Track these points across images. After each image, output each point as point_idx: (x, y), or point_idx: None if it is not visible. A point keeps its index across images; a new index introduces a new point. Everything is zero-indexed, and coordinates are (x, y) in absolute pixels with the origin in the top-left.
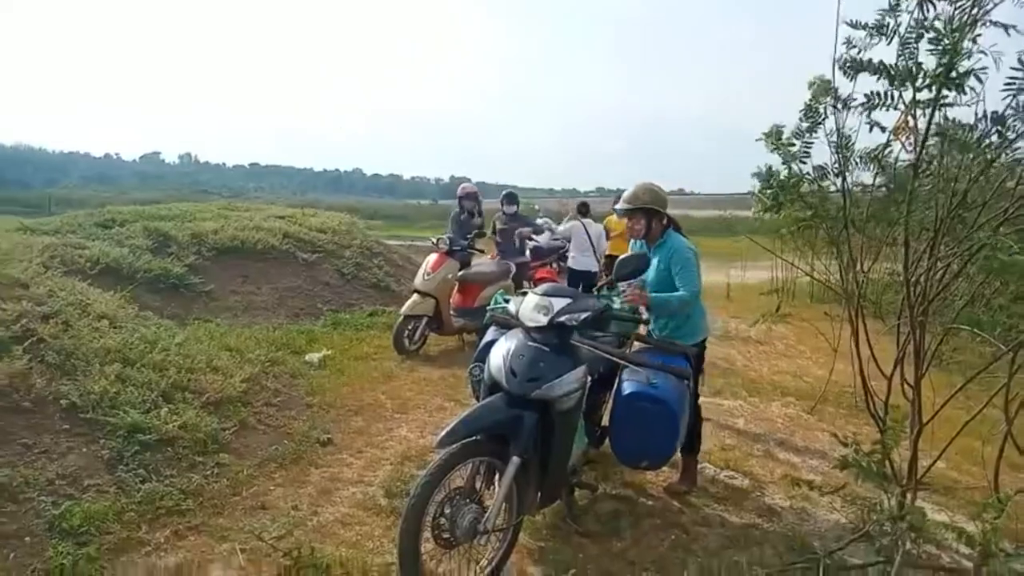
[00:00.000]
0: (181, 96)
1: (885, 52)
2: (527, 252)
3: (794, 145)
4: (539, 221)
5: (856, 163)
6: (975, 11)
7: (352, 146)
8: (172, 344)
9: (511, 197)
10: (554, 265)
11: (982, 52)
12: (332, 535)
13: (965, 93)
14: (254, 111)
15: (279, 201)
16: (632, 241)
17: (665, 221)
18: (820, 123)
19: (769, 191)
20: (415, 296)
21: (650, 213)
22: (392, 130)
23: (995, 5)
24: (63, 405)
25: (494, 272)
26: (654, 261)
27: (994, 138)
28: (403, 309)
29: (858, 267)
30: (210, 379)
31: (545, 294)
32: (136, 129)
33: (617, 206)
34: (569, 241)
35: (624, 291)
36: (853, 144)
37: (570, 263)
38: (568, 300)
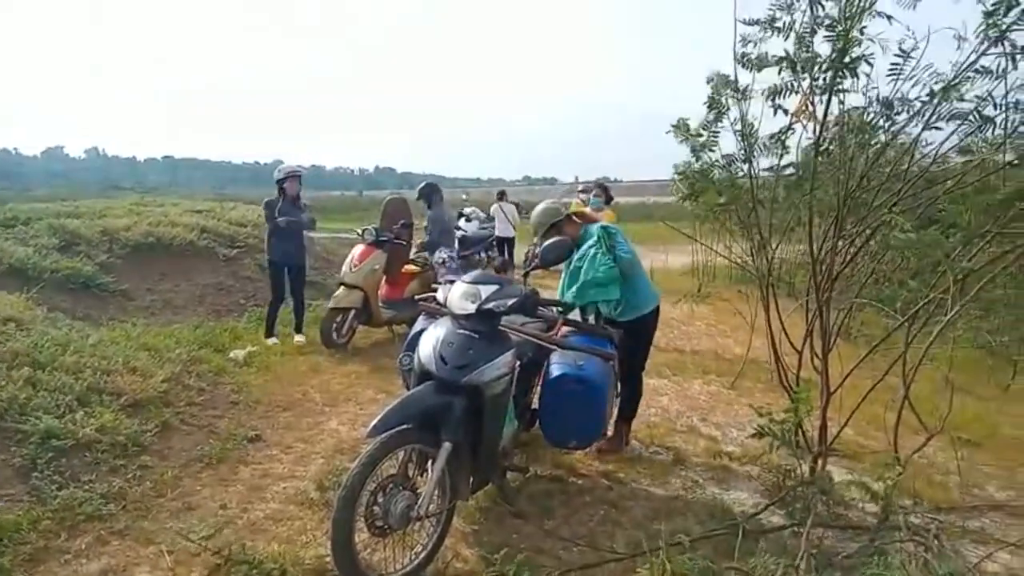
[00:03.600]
0: (84, 86)
1: (781, 45)
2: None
3: (702, 135)
4: (467, 210)
5: (761, 149)
6: (864, 2)
7: (272, 138)
8: (86, 346)
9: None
10: (482, 255)
11: (870, 40)
12: (263, 532)
13: (858, 77)
14: (165, 101)
15: (196, 196)
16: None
17: (576, 219)
18: (724, 113)
19: (685, 181)
20: (342, 289)
21: (556, 226)
22: (313, 119)
23: None
24: None
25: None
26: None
27: (883, 122)
28: (330, 302)
29: (768, 248)
30: (128, 380)
31: (473, 282)
32: (36, 122)
33: (535, 240)
34: (493, 221)
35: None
36: (757, 131)
37: (497, 232)
38: (495, 287)
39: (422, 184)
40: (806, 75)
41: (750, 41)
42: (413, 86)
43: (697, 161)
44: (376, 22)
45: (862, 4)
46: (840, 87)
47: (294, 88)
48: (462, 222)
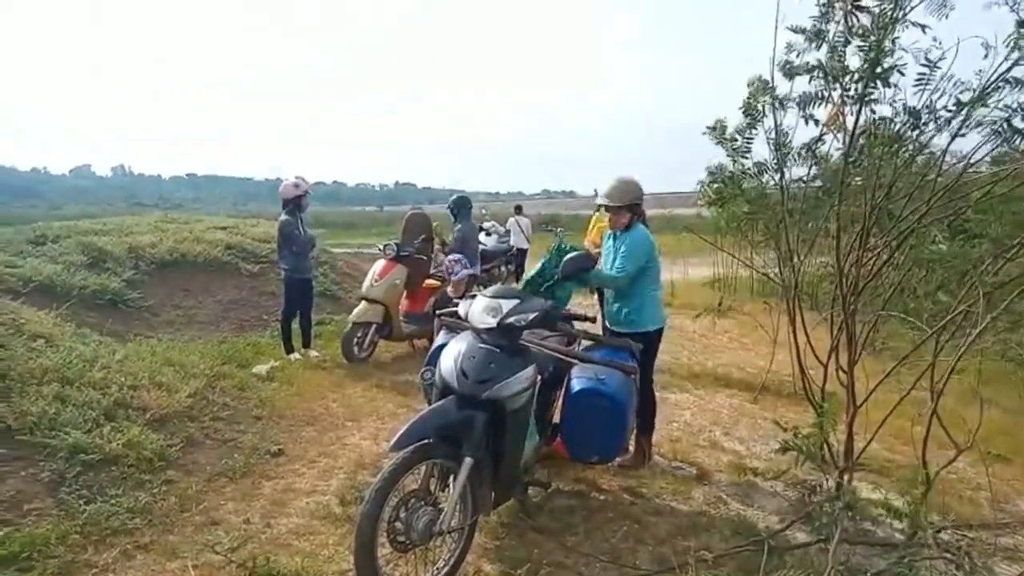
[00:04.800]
0: (111, 106)
1: (816, 56)
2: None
3: (737, 140)
4: (486, 224)
5: (794, 159)
6: (896, 12)
7: (294, 154)
8: (113, 361)
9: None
10: (503, 268)
11: (903, 49)
12: (286, 546)
13: (889, 87)
14: (188, 119)
15: (220, 212)
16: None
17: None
18: (760, 120)
19: (715, 185)
20: (363, 303)
21: (633, 208)
22: (333, 136)
23: (912, 8)
24: None
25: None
26: (611, 243)
27: (912, 132)
28: (352, 316)
29: (794, 259)
30: (154, 395)
31: (494, 296)
32: (65, 141)
33: (599, 201)
34: (509, 233)
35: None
36: (790, 141)
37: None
38: (516, 301)
39: (454, 197)
40: (837, 85)
41: (794, 50)
42: (414, 89)
43: (733, 163)
44: (376, 22)
45: (894, 15)
46: (871, 97)
47: (294, 88)
48: (482, 236)
